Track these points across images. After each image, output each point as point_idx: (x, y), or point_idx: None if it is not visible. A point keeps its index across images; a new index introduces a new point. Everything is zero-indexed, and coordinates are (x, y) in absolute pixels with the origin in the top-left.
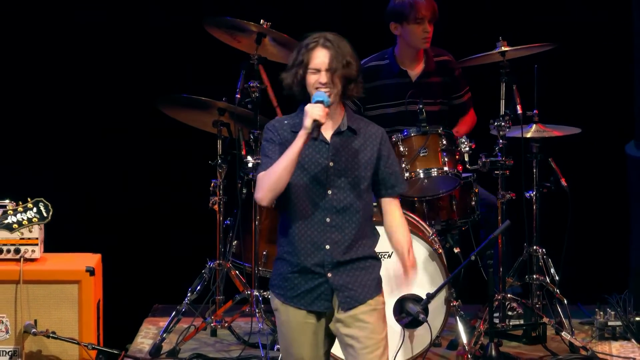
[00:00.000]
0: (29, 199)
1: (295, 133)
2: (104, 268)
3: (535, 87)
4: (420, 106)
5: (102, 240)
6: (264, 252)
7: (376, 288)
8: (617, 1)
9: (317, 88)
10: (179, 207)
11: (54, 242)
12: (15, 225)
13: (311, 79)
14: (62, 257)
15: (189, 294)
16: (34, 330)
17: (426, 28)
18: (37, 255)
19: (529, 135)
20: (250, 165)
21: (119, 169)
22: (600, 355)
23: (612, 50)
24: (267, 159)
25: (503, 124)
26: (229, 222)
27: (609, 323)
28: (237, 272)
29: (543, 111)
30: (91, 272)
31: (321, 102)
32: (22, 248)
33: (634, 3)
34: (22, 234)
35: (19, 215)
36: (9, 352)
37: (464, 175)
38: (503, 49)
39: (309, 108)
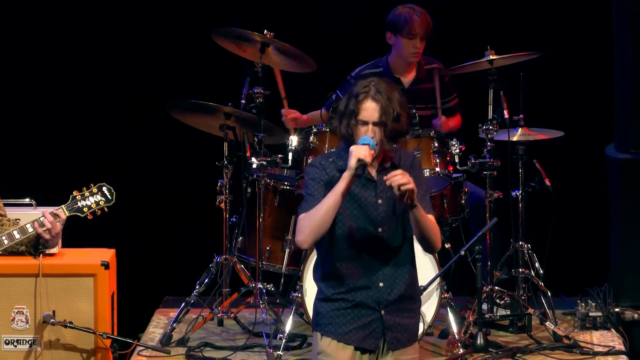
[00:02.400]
0: (92, 184)
1: (341, 172)
2: (118, 262)
3: (521, 93)
4: (413, 111)
5: (116, 236)
6: (267, 248)
7: (416, 334)
8: (599, 12)
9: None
10: (188, 206)
11: (71, 238)
12: (85, 209)
13: (360, 130)
14: (79, 252)
15: (197, 287)
16: (52, 320)
17: (416, 44)
18: (55, 250)
19: (515, 138)
20: (254, 166)
21: (132, 171)
22: (582, 344)
23: (593, 58)
24: (311, 197)
25: (491, 127)
26: (234, 220)
27: (590, 314)
28: (242, 266)
29: (528, 115)
30: (106, 266)
31: (366, 144)
32: None
33: (615, 14)
34: (90, 216)
35: (87, 200)
36: (28, 340)
37: (454, 175)
38: (491, 57)
39: (355, 148)
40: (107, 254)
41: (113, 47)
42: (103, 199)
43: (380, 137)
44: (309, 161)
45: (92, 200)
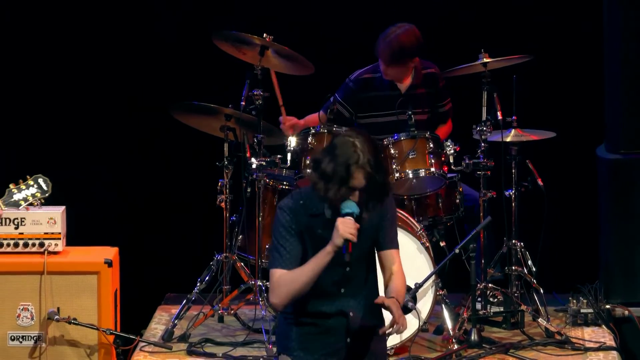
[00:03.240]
0: (28, 176)
1: (312, 217)
2: (121, 260)
3: (514, 95)
4: (409, 113)
5: (119, 235)
6: (267, 246)
7: (385, 358)
8: (589, 16)
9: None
10: (189, 205)
11: (75, 237)
12: (21, 202)
13: (344, 195)
14: (83, 250)
15: (198, 284)
16: (56, 317)
17: (383, 68)
18: (59, 248)
19: (508, 139)
20: (254, 166)
21: (135, 171)
22: (574, 340)
23: (584, 61)
24: (283, 251)
25: (485, 128)
26: (234, 219)
27: (582, 310)
28: (242, 264)
29: (521, 117)
30: (109, 264)
31: (351, 214)
32: (46, 242)
33: (605, 18)
34: (27, 209)
35: (23, 192)
36: (34, 336)
37: (449, 175)
38: (485, 60)
39: (341, 225)
40: (110, 252)
41: (119, 50)
42: (39, 190)
43: (364, 200)
44: (279, 202)
45: (28, 192)
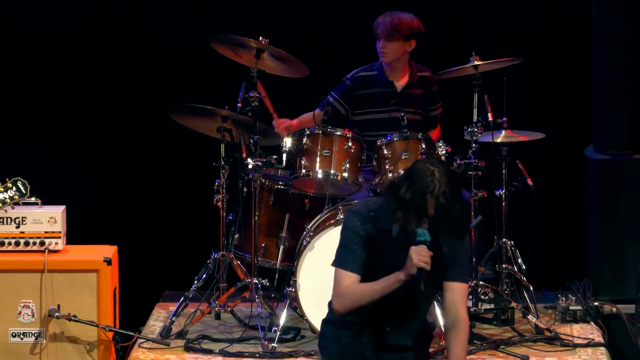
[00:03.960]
0: (7, 179)
1: (380, 231)
2: (119, 259)
3: (504, 97)
4: (402, 114)
5: (118, 233)
6: (263, 244)
7: None
8: (578, 21)
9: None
10: (187, 204)
11: (75, 236)
12: None
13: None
14: (83, 248)
15: (195, 282)
16: (57, 314)
17: (381, 44)
18: (60, 247)
19: (498, 140)
20: (250, 167)
21: (133, 172)
22: (563, 336)
23: (573, 64)
24: (350, 253)
25: (475, 129)
26: (231, 218)
27: (570, 307)
28: (238, 262)
29: (511, 118)
30: (108, 262)
31: (424, 242)
32: (47, 240)
33: (593, 23)
34: (5, 211)
35: (1, 195)
36: (34, 333)
37: None
38: (476, 63)
39: (414, 254)
40: (110, 251)
41: (119, 53)
42: (17, 193)
43: (434, 227)
44: (352, 205)
45: (5, 195)
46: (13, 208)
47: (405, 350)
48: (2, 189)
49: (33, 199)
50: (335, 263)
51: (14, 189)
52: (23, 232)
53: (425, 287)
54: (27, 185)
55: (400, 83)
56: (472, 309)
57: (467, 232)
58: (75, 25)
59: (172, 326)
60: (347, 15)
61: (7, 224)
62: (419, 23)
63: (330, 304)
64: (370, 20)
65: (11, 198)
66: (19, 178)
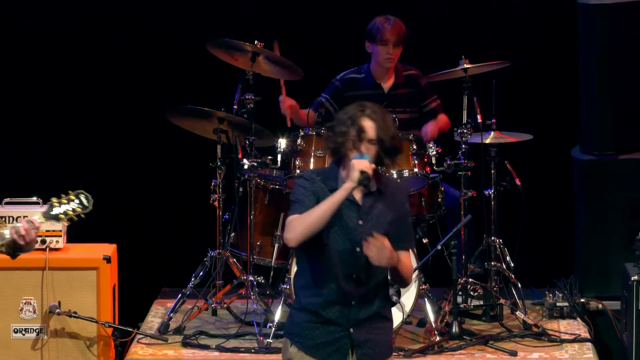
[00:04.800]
0: (70, 192)
1: (329, 191)
2: (119, 256)
3: (493, 99)
4: (393, 115)
5: (117, 232)
6: (258, 243)
7: (389, 350)
8: (565, 24)
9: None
10: (184, 204)
11: (75, 234)
12: (61, 216)
13: (354, 147)
14: (83, 247)
15: (192, 279)
16: (57, 310)
17: (389, 50)
18: (60, 245)
19: (487, 141)
20: (245, 167)
21: (133, 171)
22: (550, 332)
23: (560, 67)
24: (301, 203)
25: (465, 131)
26: (227, 217)
27: (557, 304)
28: (234, 260)
29: (500, 120)
30: (108, 260)
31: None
32: (48, 239)
33: (580, 26)
34: (67, 223)
35: (63, 207)
36: (36, 329)
37: (431, 175)
38: (465, 66)
39: (356, 161)
40: (109, 249)
41: (119, 56)
42: (80, 206)
43: (374, 155)
44: (298, 172)
45: (68, 207)
46: (75, 220)
47: (374, 319)
48: (65, 201)
49: (34, 199)
50: (289, 214)
51: (77, 201)
52: None
53: (368, 184)
54: (90, 198)
55: (387, 85)
56: (462, 305)
57: (400, 150)
58: (74, 30)
59: (170, 322)
60: (342, 18)
61: (8, 223)
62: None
63: (295, 289)
64: (365, 22)
65: (73, 210)
66: (82, 191)
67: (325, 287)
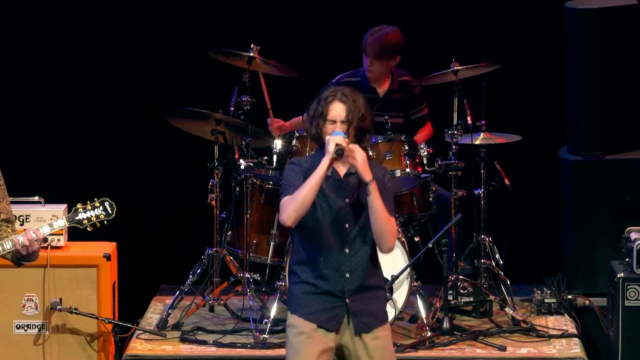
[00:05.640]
0: (95, 199)
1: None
2: (118, 254)
3: (483, 101)
4: (386, 117)
5: (117, 231)
6: (254, 241)
7: (384, 317)
8: (553, 28)
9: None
10: (182, 203)
11: (76, 233)
12: (85, 221)
13: (328, 129)
14: (83, 245)
15: (190, 276)
16: (59, 307)
17: (370, 63)
18: (62, 243)
19: (477, 142)
20: (242, 167)
21: (132, 172)
22: (538, 328)
23: (548, 70)
24: (291, 185)
25: (456, 132)
26: (224, 216)
27: (545, 300)
28: (231, 257)
29: (490, 121)
30: (108, 257)
31: (339, 135)
32: (49, 237)
33: (568, 30)
34: (90, 228)
35: (88, 213)
36: (38, 325)
37: (423, 175)
38: (456, 68)
39: (330, 137)
40: (109, 247)
41: (119, 59)
42: (104, 213)
43: (348, 137)
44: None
45: (92, 213)
46: (98, 226)
47: (367, 290)
48: (90, 207)
49: (36, 198)
50: (281, 198)
51: (101, 208)
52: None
53: (342, 157)
54: (114, 206)
55: (382, 89)
56: (452, 302)
57: (371, 128)
58: (74, 33)
59: (168, 318)
60: (336, 22)
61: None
62: (402, 38)
63: (292, 267)
64: (359, 26)
65: (97, 217)
66: (107, 199)
67: (320, 262)
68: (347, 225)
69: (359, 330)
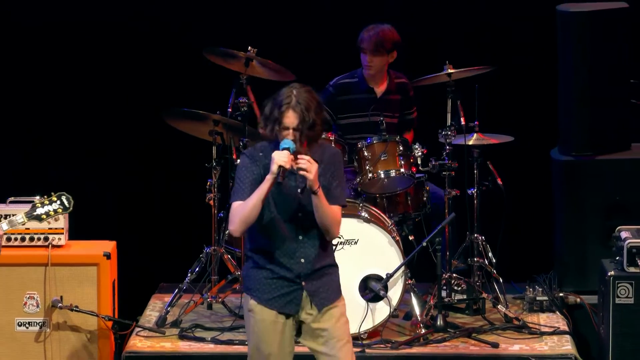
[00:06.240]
0: (52, 193)
1: (266, 168)
2: (118, 253)
3: (476, 103)
4: (381, 119)
5: (117, 230)
6: None
7: (339, 290)
8: (545, 31)
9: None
10: (181, 202)
11: (77, 232)
12: (43, 216)
13: (282, 134)
14: (84, 244)
15: (189, 275)
16: (60, 304)
17: (368, 58)
18: (62, 242)
19: (470, 142)
20: None
21: (132, 173)
22: (530, 325)
23: (540, 72)
24: (240, 189)
25: (449, 133)
26: (222, 215)
27: (537, 298)
28: (229, 256)
29: (482, 122)
30: (108, 256)
31: (287, 148)
32: (50, 236)
33: (560, 33)
34: (49, 222)
35: (45, 207)
36: (39, 322)
37: (417, 175)
38: (449, 70)
39: (276, 155)
40: (109, 246)
41: (120, 61)
42: (61, 207)
43: (298, 139)
44: (244, 150)
45: (50, 207)
46: (57, 220)
47: (321, 269)
48: (47, 202)
49: (37, 198)
50: (230, 200)
51: (58, 202)
52: (28, 229)
53: (283, 178)
54: (71, 200)
55: (380, 89)
56: (446, 299)
57: (318, 136)
58: (73, 33)
59: (167, 316)
60: (331, 25)
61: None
62: (397, 35)
63: (247, 252)
64: (352, 29)
65: (55, 211)
66: (64, 193)
67: (275, 250)
68: (300, 214)
69: (321, 306)
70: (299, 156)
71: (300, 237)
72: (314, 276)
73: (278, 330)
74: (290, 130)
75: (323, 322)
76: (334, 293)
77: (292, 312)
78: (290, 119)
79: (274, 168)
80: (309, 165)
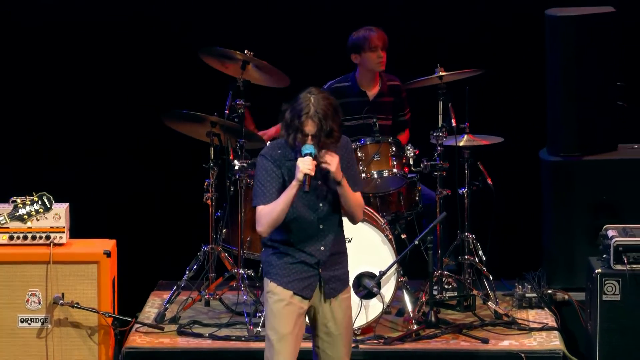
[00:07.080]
0: (34, 193)
1: (290, 162)
2: (118, 251)
3: (466, 104)
4: (374, 120)
5: (117, 228)
6: (248, 238)
7: (347, 280)
8: (533, 34)
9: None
10: (179, 202)
11: (78, 230)
12: (25, 217)
13: (303, 140)
14: (84, 242)
15: (187, 272)
16: (61, 301)
17: (379, 54)
18: (64, 240)
19: (461, 143)
20: (236, 168)
21: (131, 173)
22: (520, 321)
23: (529, 74)
24: (264, 189)
25: (440, 134)
26: (219, 214)
27: (526, 295)
28: (226, 254)
29: (473, 124)
30: (108, 254)
31: (309, 154)
32: (52, 235)
33: (547, 36)
34: (31, 222)
35: (27, 208)
36: (41, 319)
37: (409, 175)
38: (440, 73)
39: (301, 164)
40: (109, 244)
41: (121, 62)
42: (42, 207)
43: (317, 144)
44: (261, 151)
45: (32, 208)
46: (38, 220)
47: (335, 257)
48: (29, 202)
49: (19, 199)
50: (254, 203)
51: (39, 202)
52: (30, 228)
53: (309, 186)
54: (51, 200)
55: (372, 92)
56: (437, 296)
57: (337, 140)
58: (72, 33)
59: (165, 312)
60: (327, 28)
61: None
62: None
63: (268, 242)
64: (350, 31)
65: (36, 211)
66: (45, 193)
67: (296, 240)
68: (321, 205)
69: (329, 296)
70: (320, 152)
71: (321, 227)
72: (329, 263)
73: (293, 308)
74: (309, 137)
75: (329, 312)
76: (343, 284)
77: (308, 296)
78: (309, 127)
79: (299, 176)
80: (331, 159)
